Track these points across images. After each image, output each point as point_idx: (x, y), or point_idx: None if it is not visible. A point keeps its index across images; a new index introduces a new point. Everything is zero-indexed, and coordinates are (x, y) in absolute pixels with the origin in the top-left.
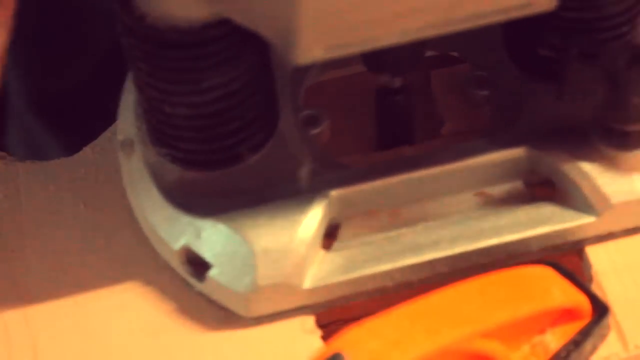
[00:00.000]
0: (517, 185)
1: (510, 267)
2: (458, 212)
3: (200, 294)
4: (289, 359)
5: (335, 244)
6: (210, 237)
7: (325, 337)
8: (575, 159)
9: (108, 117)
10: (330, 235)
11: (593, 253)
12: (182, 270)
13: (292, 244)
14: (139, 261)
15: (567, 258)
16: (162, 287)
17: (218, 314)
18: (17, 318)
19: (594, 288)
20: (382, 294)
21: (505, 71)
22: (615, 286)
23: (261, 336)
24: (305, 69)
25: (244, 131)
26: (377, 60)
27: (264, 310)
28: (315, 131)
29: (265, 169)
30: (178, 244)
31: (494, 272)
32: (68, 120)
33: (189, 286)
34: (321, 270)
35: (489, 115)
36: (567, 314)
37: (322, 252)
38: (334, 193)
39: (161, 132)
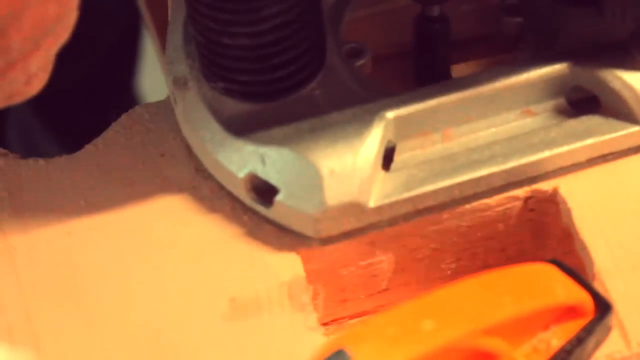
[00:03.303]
0: (560, 102)
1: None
2: (507, 130)
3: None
4: (292, 355)
5: (393, 165)
6: (276, 163)
7: (328, 334)
8: (617, 71)
9: (108, 115)
10: (386, 158)
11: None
12: (248, 198)
13: (356, 163)
14: (136, 255)
15: (568, 257)
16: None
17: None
18: (20, 316)
19: (597, 285)
20: (441, 210)
21: None
22: (617, 284)
23: (265, 333)
24: (344, 5)
25: (299, 61)
26: None
27: (332, 230)
28: (359, 63)
29: (319, 98)
30: (243, 171)
31: (497, 269)
32: (68, 119)
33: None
34: (384, 189)
35: (526, 41)
36: (569, 312)
37: (382, 172)
38: (390, 115)
39: (217, 66)
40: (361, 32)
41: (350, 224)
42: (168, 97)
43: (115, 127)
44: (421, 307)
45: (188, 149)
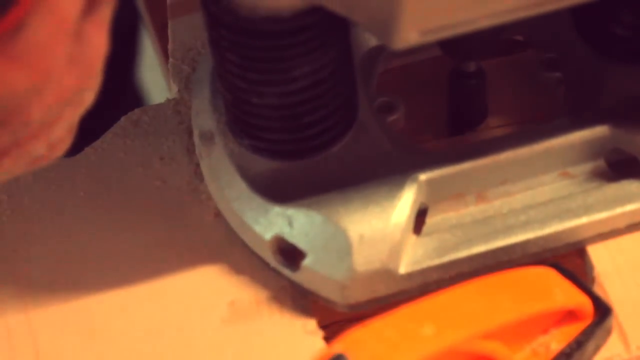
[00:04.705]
0: (599, 164)
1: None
2: (544, 193)
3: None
4: (291, 359)
5: (425, 228)
6: (303, 226)
7: (327, 338)
8: None
9: (108, 117)
10: (418, 220)
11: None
12: (274, 260)
13: (387, 229)
14: (135, 259)
15: (568, 261)
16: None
17: None
18: (19, 318)
19: (596, 289)
20: (474, 276)
21: (577, 52)
22: (617, 287)
23: (264, 336)
24: (376, 57)
25: (329, 119)
26: (456, 45)
27: (360, 297)
28: (391, 118)
29: (349, 157)
30: (269, 234)
31: (497, 273)
32: None
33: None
34: (415, 254)
35: (565, 97)
36: (569, 315)
37: (414, 237)
38: (423, 177)
39: (245, 123)
40: (394, 83)
41: (380, 290)
42: (168, 100)
43: (114, 130)
44: (421, 311)
45: (187, 152)
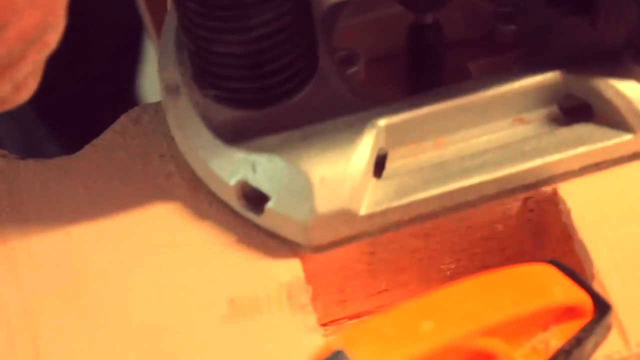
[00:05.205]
0: (553, 110)
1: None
2: (499, 138)
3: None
4: (291, 356)
5: (385, 173)
6: (266, 170)
7: (327, 335)
8: (610, 79)
9: (109, 116)
10: (378, 166)
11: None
12: (239, 205)
13: (347, 171)
14: (135, 256)
15: (568, 258)
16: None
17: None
18: (19, 315)
19: (596, 286)
20: (432, 218)
21: (531, 6)
22: (616, 284)
23: (264, 334)
24: (337, 12)
25: (290, 68)
26: None
27: (322, 238)
28: (351, 70)
29: (310, 106)
30: (234, 179)
31: (496, 270)
32: (69, 120)
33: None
34: (375, 197)
35: (519, 48)
36: (569, 312)
37: (374, 180)
38: (382, 123)
39: (208, 73)
40: (354, 39)
41: (342, 231)
42: None
43: (114, 127)
44: (420, 308)
45: None
